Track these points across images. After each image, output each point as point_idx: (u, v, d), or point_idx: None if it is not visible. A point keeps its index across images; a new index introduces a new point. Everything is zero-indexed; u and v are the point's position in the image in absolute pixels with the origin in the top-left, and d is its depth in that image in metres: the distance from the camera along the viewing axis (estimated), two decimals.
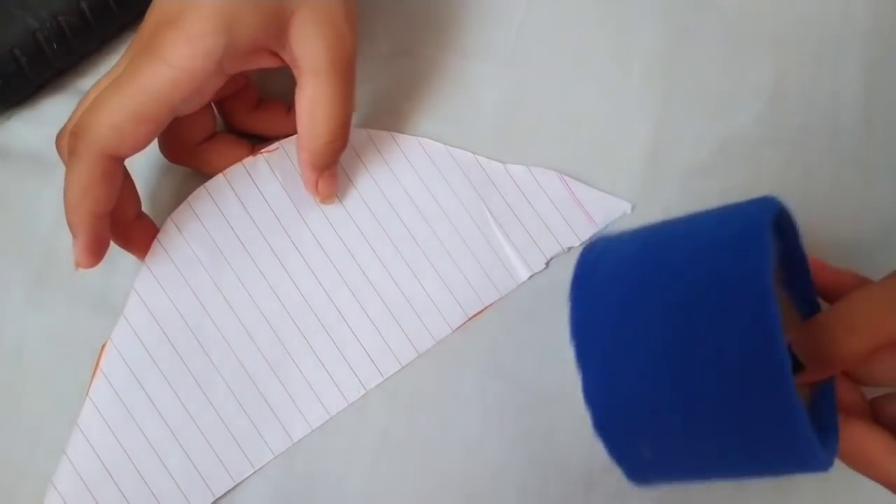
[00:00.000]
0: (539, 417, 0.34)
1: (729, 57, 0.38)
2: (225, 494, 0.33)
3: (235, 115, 0.36)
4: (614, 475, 0.32)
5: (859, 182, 0.37)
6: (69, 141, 0.30)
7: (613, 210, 0.36)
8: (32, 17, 0.34)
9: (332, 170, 0.34)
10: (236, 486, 0.33)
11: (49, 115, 0.37)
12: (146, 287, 0.34)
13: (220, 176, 0.35)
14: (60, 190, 0.36)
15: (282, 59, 0.31)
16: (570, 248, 0.36)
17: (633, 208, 0.36)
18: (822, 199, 0.37)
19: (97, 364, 0.33)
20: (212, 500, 0.33)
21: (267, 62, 0.31)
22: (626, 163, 0.37)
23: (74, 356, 0.34)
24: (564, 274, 0.34)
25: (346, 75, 0.31)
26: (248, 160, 0.35)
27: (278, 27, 0.29)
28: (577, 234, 0.36)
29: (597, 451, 0.33)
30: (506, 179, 0.36)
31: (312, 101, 0.31)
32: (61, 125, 0.37)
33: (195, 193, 0.35)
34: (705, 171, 0.37)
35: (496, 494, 0.34)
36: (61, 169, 0.36)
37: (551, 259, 0.36)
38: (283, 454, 0.34)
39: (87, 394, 0.33)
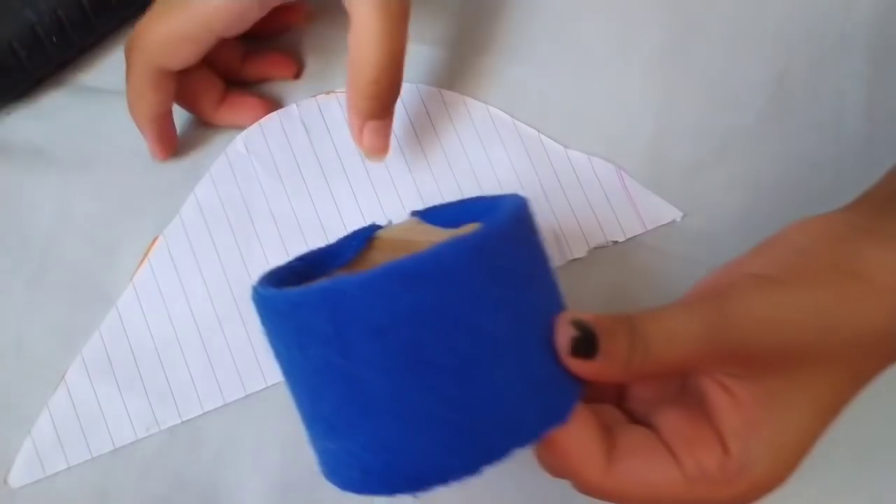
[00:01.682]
0: None
1: (732, 52, 0.38)
2: (227, 489, 0.33)
3: (201, 110, 0.36)
4: None
5: (862, 177, 0.37)
6: (126, 50, 0.33)
7: (664, 215, 0.36)
8: (31, 10, 0.34)
9: (379, 122, 0.32)
10: (237, 479, 0.33)
11: (48, 109, 0.37)
12: (205, 192, 0.35)
13: (293, 105, 0.36)
14: (60, 184, 0.36)
15: None
16: (614, 242, 0.36)
17: (683, 217, 0.36)
18: (825, 193, 0.36)
19: (146, 254, 0.35)
20: (221, 404, 0.34)
21: None
22: (629, 156, 0.37)
23: (74, 350, 0.34)
24: (604, 268, 0.35)
25: (392, 7, 0.29)
26: (321, 97, 0.37)
27: None
28: (624, 230, 0.36)
29: None
30: (564, 162, 0.36)
31: (356, 35, 0.30)
32: (61, 120, 0.37)
33: (268, 117, 0.36)
34: (708, 166, 0.37)
35: (494, 490, 0.34)
36: (61, 163, 0.36)
37: (593, 248, 0.35)
38: (285, 446, 0.34)
39: (131, 279, 0.34)
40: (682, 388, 0.27)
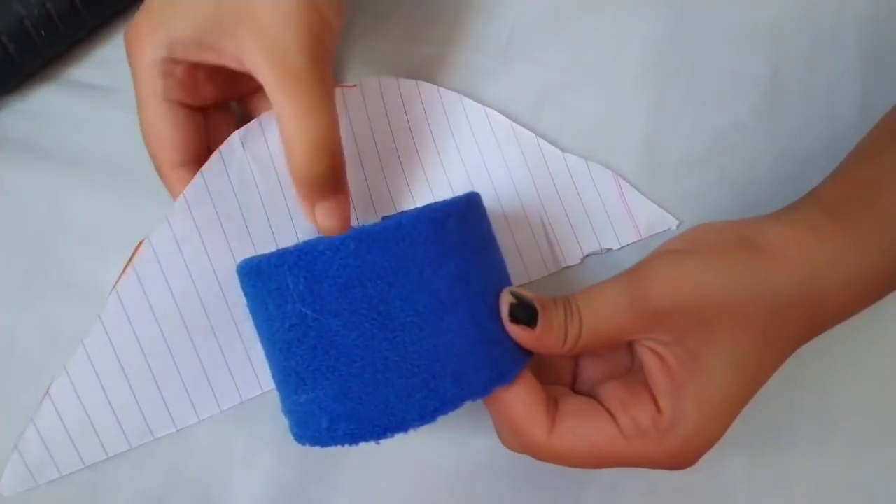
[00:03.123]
0: None
1: (726, 49, 0.38)
2: (220, 486, 0.33)
3: None
4: (609, 469, 0.32)
5: None
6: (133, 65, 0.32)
7: (660, 223, 0.36)
8: (20, 3, 0.33)
9: (330, 202, 0.30)
10: (229, 476, 0.33)
11: (39, 104, 0.37)
12: (195, 192, 0.32)
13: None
14: (51, 180, 0.36)
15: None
16: (608, 250, 0.35)
17: (679, 225, 0.36)
18: None
19: (130, 260, 0.32)
20: (217, 411, 0.33)
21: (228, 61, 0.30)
22: (623, 153, 0.37)
23: (66, 348, 0.34)
24: (596, 276, 0.35)
25: (310, 89, 0.28)
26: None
27: (217, 30, 0.28)
28: (619, 238, 0.35)
29: None
30: (561, 167, 0.36)
31: (279, 123, 0.28)
32: (52, 115, 0.36)
33: (267, 114, 0.33)
34: (702, 162, 0.37)
35: (489, 487, 0.34)
36: (52, 159, 0.36)
37: (587, 256, 0.35)
38: (278, 445, 0.33)
39: (113, 287, 0.32)
40: (630, 368, 0.30)
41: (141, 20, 0.30)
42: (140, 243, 0.32)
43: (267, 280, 0.27)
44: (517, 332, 0.27)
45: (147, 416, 0.33)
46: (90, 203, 0.35)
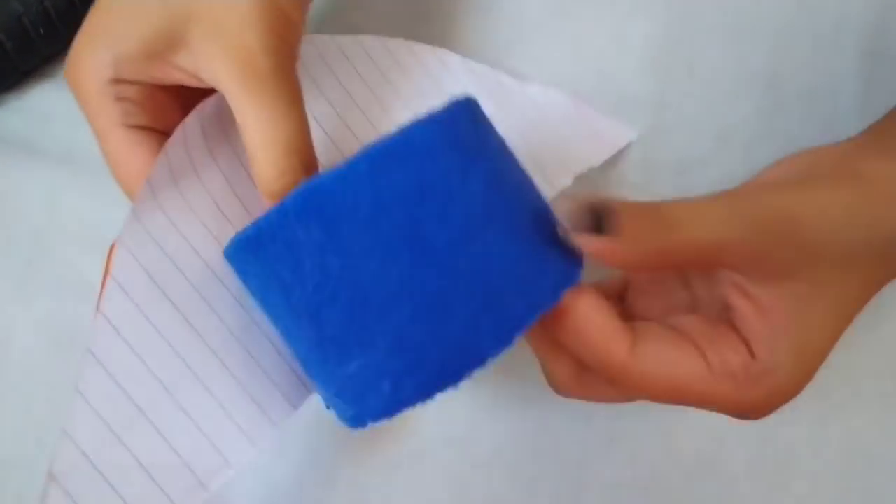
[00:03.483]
0: (531, 409, 0.34)
1: (727, 46, 0.38)
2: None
3: None
4: (608, 466, 0.32)
5: None
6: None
7: (621, 136, 0.36)
8: (18, 1, 0.33)
9: None
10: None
11: (37, 103, 0.37)
12: (158, 179, 0.27)
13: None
14: (48, 178, 0.36)
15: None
16: (590, 168, 0.34)
17: (637, 136, 0.36)
18: None
19: (106, 271, 0.26)
20: (272, 433, 0.27)
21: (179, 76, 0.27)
22: (622, 151, 0.36)
23: (62, 346, 0.34)
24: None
25: (268, 89, 0.25)
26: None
27: (167, 39, 0.26)
28: (596, 155, 0.35)
29: (590, 442, 0.33)
30: (523, 97, 0.35)
31: (242, 132, 0.26)
32: (50, 114, 0.36)
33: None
34: (703, 160, 0.37)
35: (487, 486, 0.34)
36: (50, 157, 0.36)
37: (577, 176, 0.35)
38: (275, 443, 0.33)
39: (96, 309, 0.25)
40: (693, 303, 0.27)
41: (80, 43, 0.27)
42: (111, 249, 0.26)
43: (270, 244, 0.23)
44: (586, 241, 0.23)
45: (192, 465, 0.25)
46: (87, 201, 0.35)
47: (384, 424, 0.23)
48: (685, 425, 0.35)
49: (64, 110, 0.37)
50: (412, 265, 0.22)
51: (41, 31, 0.34)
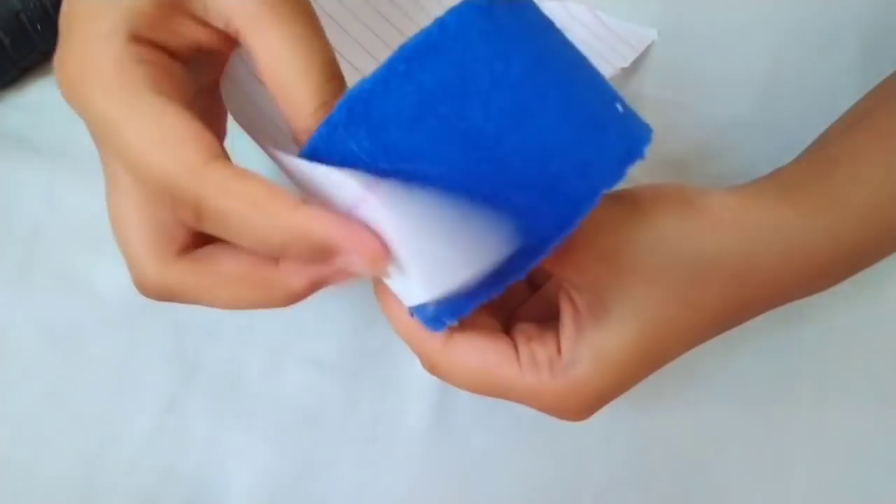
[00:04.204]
0: (529, 408, 0.34)
1: (726, 43, 0.38)
2: (215, 482, 0.33)
3: None
4: (605, 465, 0.32)
5: None
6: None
7: (644, 38, 0.36)
8: None
9: None
10: (224, 472, 0.33)
11: (35, 99, 0.36)
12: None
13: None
14: (46, 175, 0.35)
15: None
16: (622, 69, 0.36)
17: (658, 33, 0.37)
18: None
19: None
20: None
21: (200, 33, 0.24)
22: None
23: (59, 343, 0.34)
24: None
25: (285, 13, 0.22)
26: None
27: None
28: (624, 57, 0.36)
29: (588, 440, 0.33)
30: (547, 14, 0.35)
31: (266, 60, 0.22)
32: (48, 110, 0.36)
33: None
34: (702, 157, 0.36)
35: (486, 482, 0.34)
36: (48, 153, 0.36)
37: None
38: (273, 441, 0.33)
39: None
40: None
41: (78, 12, 0.23)
42: None
43: (327, 160, 0.21)
44: None
45: None
46: (84, 197, 0.35)
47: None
48: (683, 424, 0.35)
49: (62, 106, 0.36)
50: (463, 160, 0.21)
51: (39, 27, 0.34)
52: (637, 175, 0.36)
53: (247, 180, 0.21)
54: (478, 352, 0.26)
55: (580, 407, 0.26)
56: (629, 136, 0.23)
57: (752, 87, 0.37)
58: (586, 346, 0.25)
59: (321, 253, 0.20)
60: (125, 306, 0.34)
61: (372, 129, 0.21)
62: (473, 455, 0.34)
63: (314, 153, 0.22)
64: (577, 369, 0.25)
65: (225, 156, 0.22)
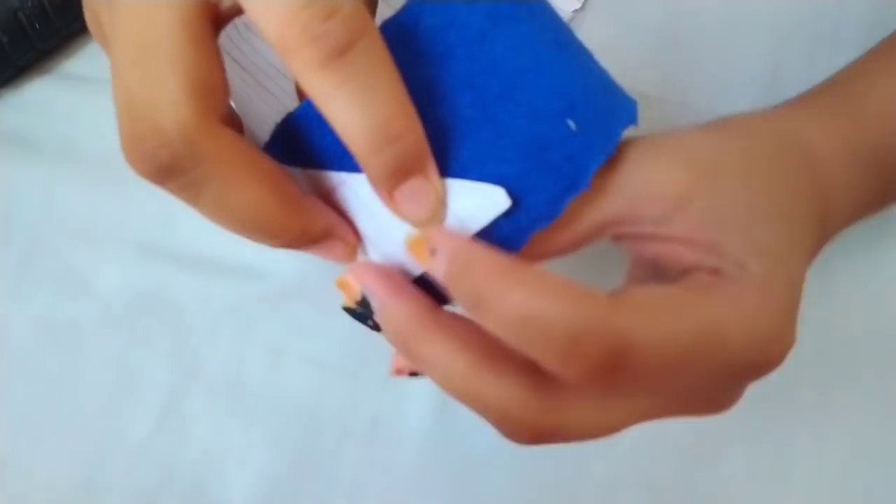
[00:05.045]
0: None
1: (726, 43, 0.38)
2: (215, 482, 0.33)
3: None
4: (606, 464, 0.32)
5: None
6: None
7: None
8: None
9: (417, 180, 0.20)
10: (224, 472, 0.33)
11: (33, 98, 0.36)
12: None
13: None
14: (45, 174, 0.35)
15: None
16: (574, 11, 0.36)
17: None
18: None
19: None
20: None
21: None
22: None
23: (59, 343, 0.34)
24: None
25: None
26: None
27: None
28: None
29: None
30: None
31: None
32: (46, 109, 0.36)
33: None
34: None
35: (487, 481, 0.34)
36: (47, 152, 0.36)
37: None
38: (273, 441, 0.33)
39: None
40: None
41: None
42: None
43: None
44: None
45: None
46: (83, 196, 0.35)
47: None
48: (684, 423, 0.34)
49: (60, 105, 0.36)
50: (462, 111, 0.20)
51: (37, 25, 0.34)
52: None
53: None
54: (660, 293, 0.20)
55: (784, 313, 0.21)
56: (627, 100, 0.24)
57: (753, 87, 0.37)
58: (735, 249, 0.21)
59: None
60: (125, 306, 0.34)
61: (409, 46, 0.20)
62: (473, 455, 0.34)
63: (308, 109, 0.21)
64: (751, 273, 0.21)
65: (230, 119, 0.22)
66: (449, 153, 0.21)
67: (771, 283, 0.21)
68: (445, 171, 0.21)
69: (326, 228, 0.21)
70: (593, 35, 0.38)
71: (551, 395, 0.20)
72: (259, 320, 0.34)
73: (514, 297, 0.18)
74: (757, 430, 0.34)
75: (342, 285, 0.22)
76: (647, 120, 0.37)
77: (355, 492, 0.33)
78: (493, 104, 0.21)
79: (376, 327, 0.22)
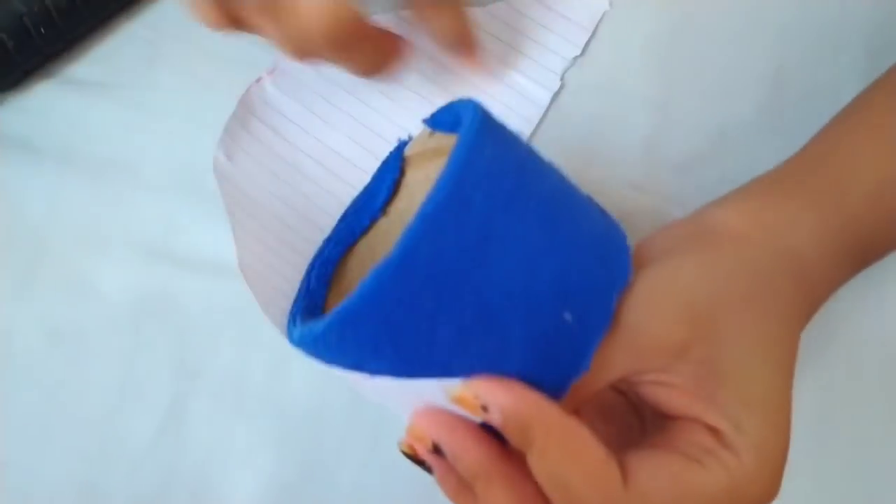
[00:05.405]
0: None
1: (729, 45, 0.38)
2: (218, 485, 0.33)
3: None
4: None
5: None
6: None
7: (596, 9, 0.37)
8: (20, 0, 0.33)
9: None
10: (227, 475, 0.33)
11: (38, 102, 0.37)
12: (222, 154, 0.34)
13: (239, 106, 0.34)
14: (50, 177, 0.36)
15: None
16: (575, 58, 0.36)
17: (610, 3, 0.37)
18: None
19: None
20: None
21: None
22: (624, 151, 0.36)
23: (63, 346, 0.34)
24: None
25: None
26: (254, 87, 0.35)
27: None
28: (575, 43, 0.36)
29: None
30: (486, 16, 0.36)
31: None
32: (51, 113, 0.36)
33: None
34: (704, 159, 0.36)
35: None
36: (51, 156, 0.36)
37: (564, 73, 0.36)
38: (276, 444, 0.33)
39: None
40: (641, 431, 0.27)
41: None
42: None
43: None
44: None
45: None
46: (88, 200, 0.35)
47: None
48: None
49: (65, 109, 0.36)
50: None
51: (42, 30, 0.34)
52: (640, 180, 0.36)
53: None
54: (664, 467, 0.23)
55: (774, 470, 0.24)
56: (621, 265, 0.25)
57: (756, 90, 0.37)
58: (731, 404, 0.23)
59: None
60: (129, 309, 0.34)
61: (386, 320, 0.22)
62: None
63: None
64: (749, 430, 0.23)
65: None
66: (457, 361, 0.22)
67: (766, 442, 0.23)
68: (453, 374, 0.22)
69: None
70: (596, 36, 0.38)
71: None
72: (262, 323, 0.34)
73: (552, 455, 0.22)
74: None
75: (412, 445, 0.24)
76: (649, 126, 0.37)
77: (358, 495, 0.33)
78: (495, 314, 0.22)
79: (429, 471, 0.25)
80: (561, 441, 0.22)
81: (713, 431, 0.23)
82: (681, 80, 0.37)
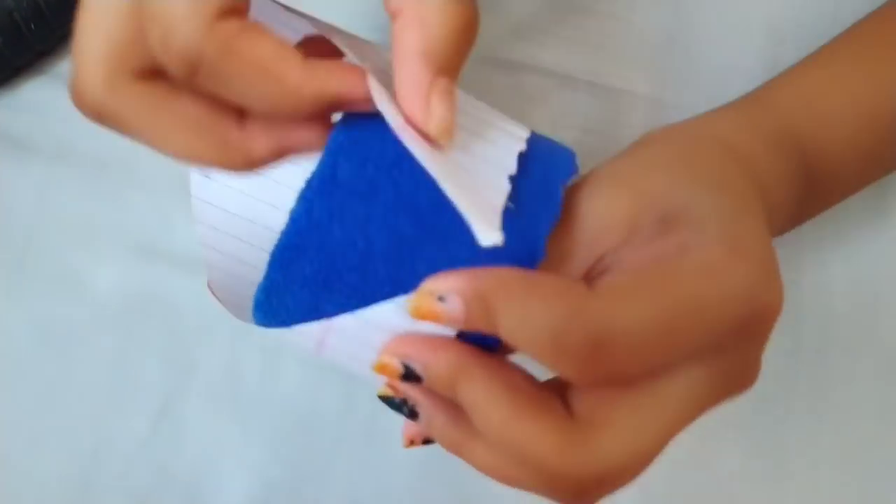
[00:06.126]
0: None
1: (722, 44, 0.38)
2: (211, 484, 0.33)
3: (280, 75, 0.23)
4: None
5: None
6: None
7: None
8: None
9: (449, 80, 0.22)
10: (220, 474, 0.33)
11: (29, 99, 0.36)
12: None
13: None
14: (41, 175, 0.35)
15: None
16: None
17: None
18: None
19: None
20: None
21: None
22: (618, 149, 0.36)
23: (54, 344, 0.34)
24: None
25: None
26: None
27: None
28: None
29: None
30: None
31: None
32: (42, 110, 0.36)
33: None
34: None
35: (482, 486, 0.34)
36: (42, 153, 0.36)
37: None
38: (269, 443, 0.33)
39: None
40: None
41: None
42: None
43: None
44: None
45: None
46: (79, 197, 0.35)
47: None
48: None
49: (56, 106, 0.36)
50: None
51: (33, 26, 0.34)
52: None
53: (255, 40, 0.19)
54: (637, 275, 0.21)
55: (759, 260, 0.22)
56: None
57: (749, 87, 0.37)
58: (693, 209, 0.22)
59: (331, 109, 0.21)
60: (120, 306, 0.34)
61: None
62: None
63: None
64: (711, 225, 0.22)
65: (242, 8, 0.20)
66: (405, 274, 0.22)
67: (734, 235, 0.22)
68: (406, 291, 0.21)
69: (273, 149, 0.22)
70: (592, 35, 0.38)
71: (582, 434, 0.21)
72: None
73: (516, 304, 0.20)
74: (752, 432, 0.34)
75: (381, 369, 0.22)
76: (643, 121, 0.37)
77: (351, 494, 0.33)
78: (429, 217, 0.21)
79: (412, 415, 0.23)
80: (523, 288, 0.20)
81: (681, 246, 0.22)
82: (675, 79, 0.37)
